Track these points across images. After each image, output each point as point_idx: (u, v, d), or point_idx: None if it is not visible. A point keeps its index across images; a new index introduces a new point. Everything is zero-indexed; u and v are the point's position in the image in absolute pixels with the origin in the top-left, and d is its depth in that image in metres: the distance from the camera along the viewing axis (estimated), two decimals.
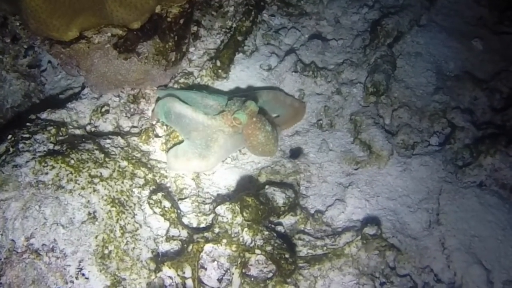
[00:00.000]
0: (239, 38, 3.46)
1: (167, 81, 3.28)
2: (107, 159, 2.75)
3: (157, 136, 3.09)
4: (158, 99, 3.06)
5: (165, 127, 3.08)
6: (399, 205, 2.83)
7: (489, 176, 2.86)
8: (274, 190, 2.69)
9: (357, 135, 3.09)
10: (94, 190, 2.58)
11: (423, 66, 3.47)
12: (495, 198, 2.77)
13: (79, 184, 2.57)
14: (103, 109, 3.15)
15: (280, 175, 2.93)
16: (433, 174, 2.90)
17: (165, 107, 2.86)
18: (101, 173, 2.66)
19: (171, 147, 2.93)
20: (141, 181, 2.79)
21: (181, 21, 3.05)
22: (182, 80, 3.29)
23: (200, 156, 2.78)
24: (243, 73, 3.40)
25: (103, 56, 2.92)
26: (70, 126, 3.02)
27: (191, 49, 3.46)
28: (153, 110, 3.13)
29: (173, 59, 3.14)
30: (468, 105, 3.31)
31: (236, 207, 2.55)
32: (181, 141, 2.99)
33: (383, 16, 3.64)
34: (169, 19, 2.97)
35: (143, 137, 3.05)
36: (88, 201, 2.54)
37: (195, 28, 3.42)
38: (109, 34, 2.81)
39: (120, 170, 2.76)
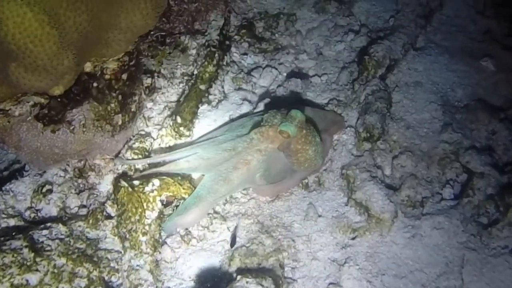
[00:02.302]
0: (202, 87, 2.92)
1: (119, 147, 2.76)
2: (38, 259, 2.24)
3: (108, 217, 2.55)
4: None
5: (116, 206, 2.53)
6: (411, 285, 2.20)
7: None
8: (247, 282, 2.10)
9: (351, 194, 2.49)
10: None
11: (425, 98, 2.87)
12: None
13: None
14: (44, 189, 2.65)
15: (257, 257, 2.33)
16: (451, 239, 2.28)
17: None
18: (27, 281, 2.15)
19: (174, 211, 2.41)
20: (83, 283, 2.27)
21: (124, 77, 2.54)
22: (137, 145, 2.76)
23: (224, 180, 2.36)
24: (210, 128, 2.85)
25: (31, 129, 2.41)
26: (4, 215, 2.52)
27: (149, 105, 2.94)
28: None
29: (120, 123, 2.62)
30: (485, 142, 2.67)
31: None
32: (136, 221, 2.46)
33: (371, 43, 3.08)
34: (107, 77, 2.46)
35: (90, 221, 2.52)
36: None
37: (149, 80, 2.89)
38: (31, 103, 2.31)
39: (56, 271, 2.24)
